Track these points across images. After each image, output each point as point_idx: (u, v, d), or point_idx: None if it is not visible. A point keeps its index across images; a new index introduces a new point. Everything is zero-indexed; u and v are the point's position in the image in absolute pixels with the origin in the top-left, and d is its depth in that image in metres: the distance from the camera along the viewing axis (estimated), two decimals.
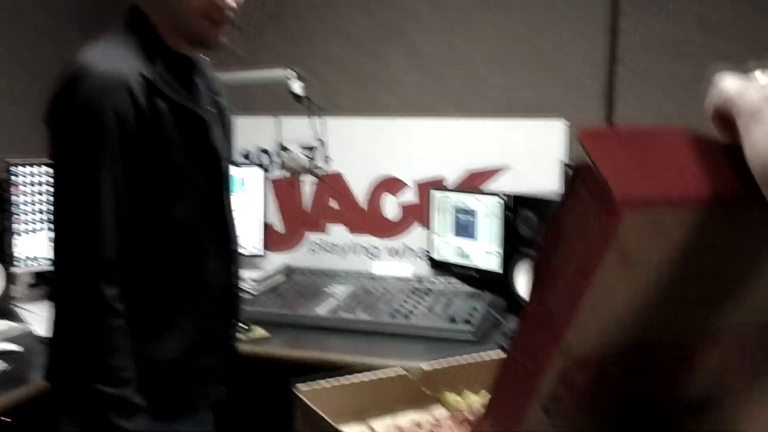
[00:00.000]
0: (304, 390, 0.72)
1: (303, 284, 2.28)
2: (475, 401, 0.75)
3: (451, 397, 0.78)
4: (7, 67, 2.31)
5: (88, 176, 1.20)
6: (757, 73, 0.37)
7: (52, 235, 1.26)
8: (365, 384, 0.74)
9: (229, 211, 1.44)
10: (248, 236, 2.35)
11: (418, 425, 0.73)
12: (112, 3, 1.53)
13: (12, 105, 2.29)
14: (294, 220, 2.51)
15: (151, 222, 1.29)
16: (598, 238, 0.33)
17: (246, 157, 2.52)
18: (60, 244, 1.24)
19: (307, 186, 2.47)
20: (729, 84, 0.37)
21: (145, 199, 1.27)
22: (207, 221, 1.37)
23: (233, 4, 1.30)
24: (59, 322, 1.26)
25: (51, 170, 1.26)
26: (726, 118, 0.37)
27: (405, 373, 0.76)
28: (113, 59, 1.23)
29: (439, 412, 0.76)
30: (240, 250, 1.48)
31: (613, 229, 0.32)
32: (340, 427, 0.71)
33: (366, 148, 2.42)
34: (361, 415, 0.74)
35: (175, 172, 1.29)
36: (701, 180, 0.35)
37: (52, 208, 1.25)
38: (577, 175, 0.35)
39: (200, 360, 1.37)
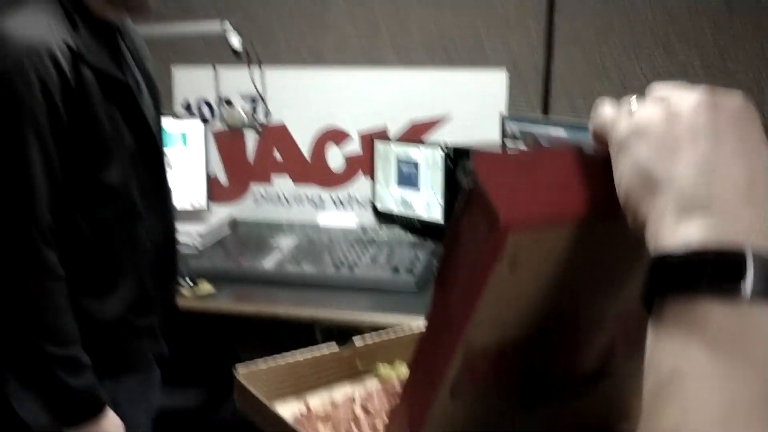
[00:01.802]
0: (242, 372, 0.76)
1: (248, 237, 2.30)
2: (406, 372, 0.80)
3: (383, 369, 0.82)
4: None
5: (16, 145, 1.20)
6: (632, 101, 0.40)
7: None
8: (301, 362, 0.78)
9: (164, 174, 1.46)
10: (191, 190, 2.34)
11: (352, 399, 0.77)
12: None
13: None
14: (237, 172, 2.50)
15: (83, 188, 1.31)
16: (487, 251, 0.38)
17: (187, 109, 2.48)
18: None
19: (250, 137, 2.45)
20: (605, 111, 0.41)
21: (76, 166, 1.28)
22: (140, 185, 1.39)
23: None
24: (1, 289, 1.27)
25: None
26: (604, 140, 0.41)
27: (338, 349, 0.81)
28: (35, 26, 1.20)
29: (372, 383, 0.81)
30: (178, 209, 1.49)
31: (500, 245, 0.37)
32: (278, 404, 0.75)
33: (308, 99, 2.41)
34: (299, 391, 0.78)
35: (104, 140, 1.30)
36: (579, 199, 0.40)
37: None
38: (470, 194, 0.39)
39: (138, 319, 1.42)
